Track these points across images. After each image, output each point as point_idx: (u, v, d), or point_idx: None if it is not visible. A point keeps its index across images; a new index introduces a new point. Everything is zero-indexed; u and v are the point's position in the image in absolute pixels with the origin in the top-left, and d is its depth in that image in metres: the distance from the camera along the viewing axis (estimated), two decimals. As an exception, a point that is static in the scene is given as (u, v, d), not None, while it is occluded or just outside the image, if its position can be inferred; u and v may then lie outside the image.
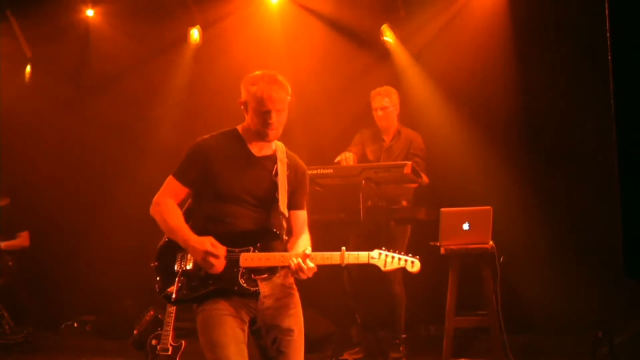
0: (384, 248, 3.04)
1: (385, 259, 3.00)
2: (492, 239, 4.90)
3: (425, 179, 5.33)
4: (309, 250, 2.98)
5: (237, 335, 2.95)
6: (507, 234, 5.25)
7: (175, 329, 4.97)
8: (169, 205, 3.05)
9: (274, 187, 3.06)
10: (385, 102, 5.51)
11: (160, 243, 3.15)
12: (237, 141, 3.10)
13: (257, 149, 3.10)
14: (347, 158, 5.29)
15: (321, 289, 5.67)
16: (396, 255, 3.02)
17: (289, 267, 2.95)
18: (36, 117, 6.80)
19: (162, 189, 3.11)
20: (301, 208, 3.20)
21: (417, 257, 3.05)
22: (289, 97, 3.06)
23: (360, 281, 5.44)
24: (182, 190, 3.08)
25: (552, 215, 5.80)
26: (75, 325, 7.14)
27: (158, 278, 3.09)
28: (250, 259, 2.97)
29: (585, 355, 4.98)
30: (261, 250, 3.00)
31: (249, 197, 3.03)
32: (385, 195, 5.22)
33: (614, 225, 2.03)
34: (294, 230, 3.15)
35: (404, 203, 5.36)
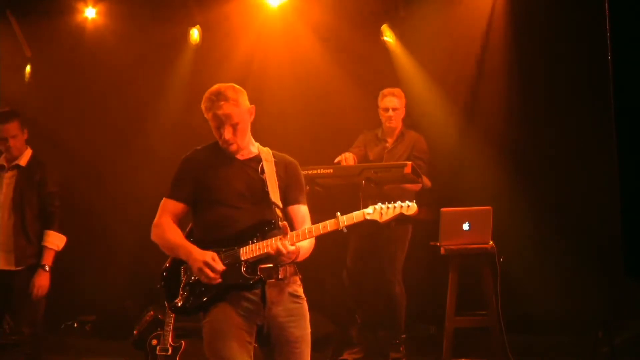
0: (378, 202, 3.07)
1: (380, 210, 3.05)
2: (492, 239, 4.90)
3: (427, 182, 5.29)
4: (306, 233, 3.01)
5: (244, 348, 2.96)
6: (507, 234, 5.24)
7: (175, 329, 4.97)
8: (167, 224, 3.11)
9: (263, 183, 3.10)
10: (396, 102, 5.49)
11: (165, 265, 3.19)
12: (220, 150, 3.15)
13: (240, 155, 3.16)
14: (347, 158, 5.28)
15: (321, 289, 5.69)
16: (391, 205, 3.06)
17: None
18: (36, 117, 6.77)
19: (158, 212, 3.16)
20: (298, 203, 3.20)
21: (413, 200, 3.07)
22: (244, 105, 3.10)
23: (360, 281, 5.44)
24: (178, 207, 3.14)
25: (552, 215, 5.79)
26: (75, 325, 7.12)
27: (166, 297, 3.13)
28: (249, 250, 3.01)
29: (585, 355, 4.99)
30: (259, 240, 3.02)
31: (241, 198, 3.07)
32: (388, 196, 5.20)
33: (614, 225, 2.03)
34: (295, 226, 3.14)
35: (407, 203, 5.33)
